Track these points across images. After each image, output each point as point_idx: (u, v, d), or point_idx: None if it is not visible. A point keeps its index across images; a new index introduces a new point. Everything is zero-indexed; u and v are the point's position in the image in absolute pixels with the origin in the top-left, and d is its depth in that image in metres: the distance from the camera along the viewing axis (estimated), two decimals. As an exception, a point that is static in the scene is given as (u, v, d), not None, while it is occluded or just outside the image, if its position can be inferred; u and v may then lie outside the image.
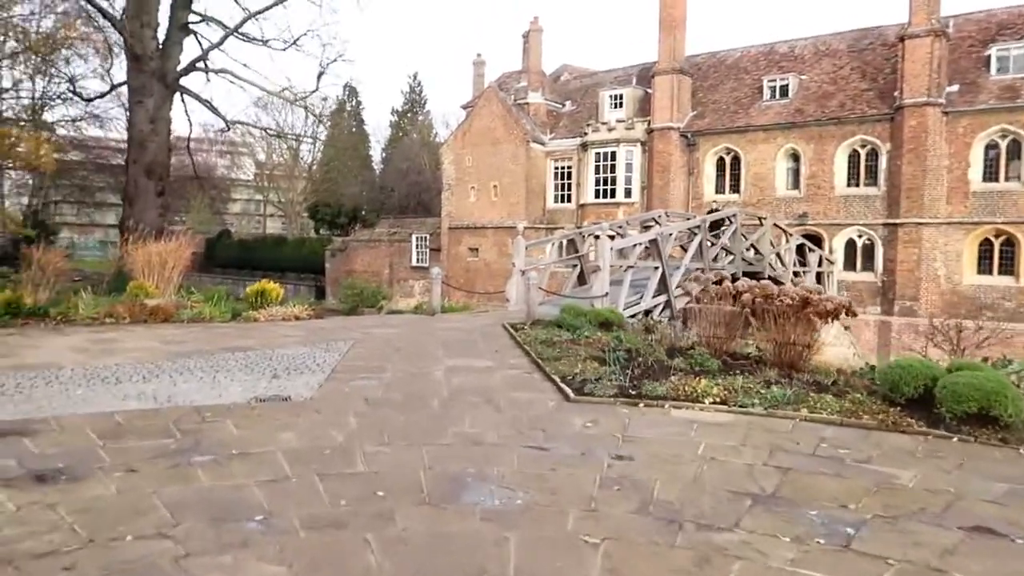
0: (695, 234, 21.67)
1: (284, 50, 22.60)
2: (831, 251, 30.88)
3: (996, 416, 6.58)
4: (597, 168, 37.66)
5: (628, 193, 36.89)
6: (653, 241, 19.48)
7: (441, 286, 18.39)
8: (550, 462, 5.70)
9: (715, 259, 22.75)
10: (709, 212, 24.38)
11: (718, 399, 8.12)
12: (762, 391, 8.38)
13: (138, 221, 21.09)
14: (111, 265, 21.23)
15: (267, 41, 23.64)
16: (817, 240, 30.57)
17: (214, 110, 23.93)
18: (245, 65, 34.32)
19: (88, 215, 73.01)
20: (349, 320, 16.98)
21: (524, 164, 39.26)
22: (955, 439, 6.52)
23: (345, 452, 5.86)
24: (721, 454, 6.06)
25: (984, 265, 28.34)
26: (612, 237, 23.00)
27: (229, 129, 24.71)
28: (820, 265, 29.33)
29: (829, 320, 10.24)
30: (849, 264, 31.30)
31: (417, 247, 46.11)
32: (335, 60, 25.11)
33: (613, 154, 37.02)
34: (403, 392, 8.40)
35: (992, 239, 28.14)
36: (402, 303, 44.99)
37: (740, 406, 7.86)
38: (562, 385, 8.72)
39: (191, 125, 28.11)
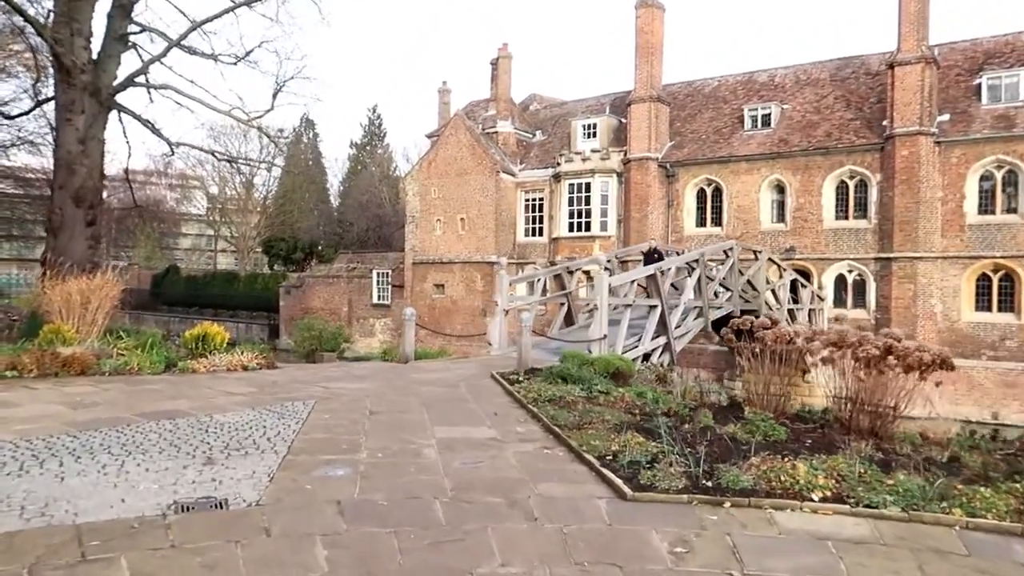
0: (693, 269, 19.68)
1: (235, 64, 20.22)
2: (820, 287, 29.28)
3: None
4: (571, 200, 35.75)
5: (604, 226, 34.99)
6: (651, 277, 17.39)
7: (415, 329, 15.97)
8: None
9: (715, 296, 20.79)
10: (651, 251, 22.44)
11: (828, 493, 5.89)
12: (882, 479, 6.18)
13: (62, 254, 18.36)
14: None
15: (216, 55, 21.22)
16: (805, 275, 28.95)
17: (156, 131, 21.31)
18: (192, 82, 31.80)
19: (18, 250, 68.86)
20: (307, 368, 14.44)
21: (493, 196, 37.20)
22: None
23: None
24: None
25: (983, 302, 26.95)
26: (609, 272, 20.94)
27: (174, 153, 22.09)
28: (812, 302, 27.68)
29: (923, 376, 8.11)
30: (839, 301, 29.70)
31: (378, 283, 43.51)
32: (292, 77, 22.65)
33: (588, 185, 35.18)
34: (389, 489, 5.99)
35: (990, 274, 26.80)
36: (362, 344, 42.26)
37: (867, 505, 5.63)
38: (606, 472, 6.42)
39: (130, 148, 25.38)
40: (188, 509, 5.29)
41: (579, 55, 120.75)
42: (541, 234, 37.44)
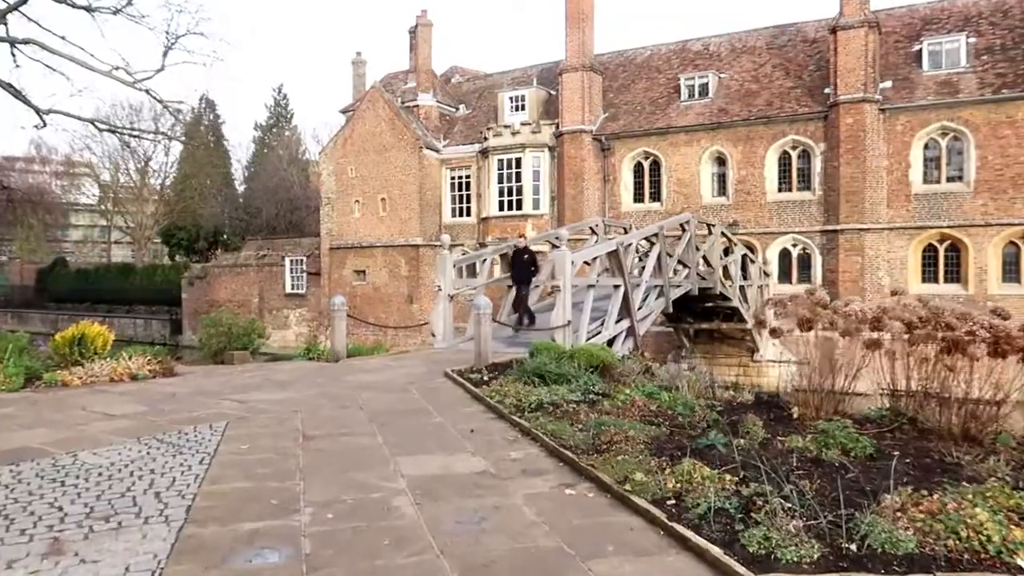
0: (653, 244, 17.79)
1: (115, 14, 17.04)
2: (765, 262, 28.07)
3: None
4: (500, 177, 33.47)
5: (537, 204, 32.90)
6: (612, 253, 15.37)
7: (346, 322, 13.42)
8: None
9: (673, 273, 18.99)
10: (520, 251, 17.18)
11: (1034, 553, 3.88)
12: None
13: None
14: None
15: (92, 6, 17.90)
16: (750, 251, 27.65)
17: (19, 96, 17.86)
18: (64, 39, 27.51)
19: None
20: (215, 374, 11.74)
21: (416, 174, 34.52)
22: None
23: None
24: None
25: (929, 273, 26.28)
26: (554, 247, 18.84)
27: (44, 123, 18.60)
28: (759, 278, 26.41)
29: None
30: (784, 276, 28.61)
31: (292, 271, 40.17)
32: (187, 33, 19.49)
33: (518, 160, 32.98)
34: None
35: (936, 244, 26.14)
36: (276, 337, 38.82)
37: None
38: (688, 535, 4.26)
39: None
40: None
41: (499, 25, 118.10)
42: (469, 214, 35.04)
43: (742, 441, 6.12)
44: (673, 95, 31.81)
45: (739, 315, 24.30)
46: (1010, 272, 25.16)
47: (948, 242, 25.97)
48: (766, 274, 27.61)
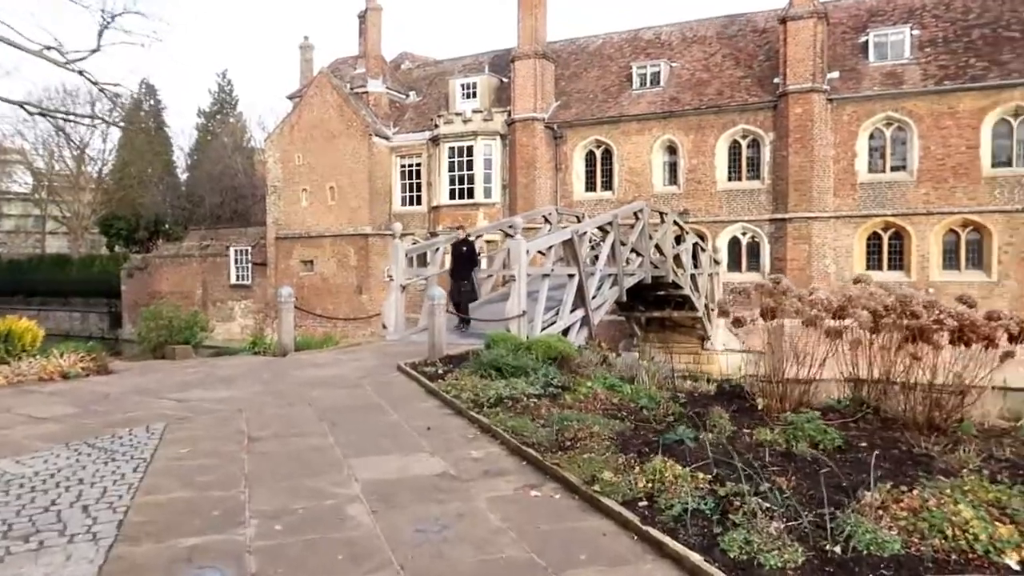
0: (607, 232, 17.62)
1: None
2: (715, 250, 28.25)
3: None
4: (451, 165, 32.99)
5: (488, 193, 32.53)
6: (568, 242, 15.14)
7: (294, 314, 12.91)
8: None
9: (626, 262, 18.87)
10: (461, 242, 15.54)
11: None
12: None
13: None
14: None
15: (16, -18, 16.85)
16: (700, 239, 27.80)
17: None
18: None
19: None
20: (154, 370, 11.14)
21: (366, 162, 33.79)
22: None
23: None
24: None
25: (873, 261, 26.78)
26: (508, 236, 18.55)
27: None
28: (710, 266, 26.57)
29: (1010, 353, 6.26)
30: (734, 264, 28.86)
31: (237, 262, 39.06)
32: (123, 12, 18.56)
33: (470, 149, 32.53)
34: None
35: (881, 232, 26.65)
36: (221, 329, 37.71)
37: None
38: (664, 539, 4.01)
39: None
40: None
41: (450, 11, 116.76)
42: (420, 203, 34.49)
43: (710, 435, 5.93)
44: (625, 84, 31.74)
45: (690, 303, 24.40)
46: (950, 260, 25.82)
47: (892, 230, 26.50)
48: (716, 262, 27.80)
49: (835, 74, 27.39)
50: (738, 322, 7.71)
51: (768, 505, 4.22)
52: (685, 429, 5.85)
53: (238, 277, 39.04)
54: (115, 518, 4.54)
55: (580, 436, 5.95)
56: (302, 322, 26.03)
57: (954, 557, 3.73)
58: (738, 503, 4.26)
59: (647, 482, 4.81)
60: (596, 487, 4.79)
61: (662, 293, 23.23)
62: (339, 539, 4.21)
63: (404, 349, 12.54)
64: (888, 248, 26.66)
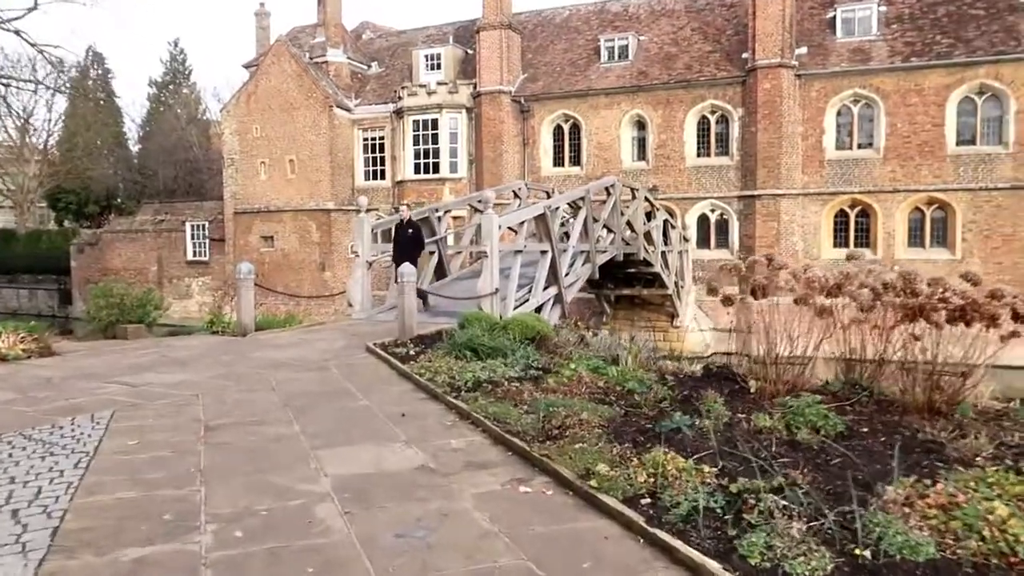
0: (579, 208, 17.17)
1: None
2: (684, 227, 28.04)
3: None
4: (416, 139, 32.15)
5: (454, 167, 31.81)
6: (540, 218, 14.67)
7: (254, 291, 12.26)
8: None
9: (598, 239, 18.48)
10: (405, 224, 14.23)
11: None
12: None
13: None
14: None
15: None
16: (670, 216, 27.56)
17: None
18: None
19: None
20: (103, 352, 10.44)
21: (327, 134, 32.76)
22: None
23: None
24: None
25: (840, 238, 26.82)
26: (477, 211, 18.01)
27: None
28: (679, 243, 26.36)
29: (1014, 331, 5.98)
30: (703, 241, 28.70)
31: (193, 237, 37.79)
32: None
33: (435, 122, 31.72)
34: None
35: (848, 210, 26.67)
36: (177, 307, 36.50)
37: None
38: (676, 545, 3.60)
39: None
40: None
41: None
42: (384, 177, 33.62)
43: (707, 422, 5.55)
44: (593, 57, 31.17)
45: (660, 281, 24.17)
46: (915, 237, 25.97)
47: (859, 208, 26.53)
48: (686, 240, 27.62)
49: (803, 50, 27.18)
50: (727, 300, 7.35)
51: (785, 503, 3.84)
52: (682, 416, 5.46)
53: (195, 253, 37.81)
54: (49, 524, 3.99)
55: (568, 423, 5.54)
56: (263, 300, 25.20)
57: (994, 561, 3.39)
58: (752, 500, 3.87)
59: (648, 476, 4.41)
60: (592, 482, 4.38)
61: (632, 271, 22.94)
62: (308, 547, 3.73)
63: (372, 329, 12.00)
64: (855, 226, 26.70)
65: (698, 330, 27.72)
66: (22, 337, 10.09)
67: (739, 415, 6.01)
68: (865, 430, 5.72)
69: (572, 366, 7.31)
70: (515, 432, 5.53)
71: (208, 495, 4.46)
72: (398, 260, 12.87)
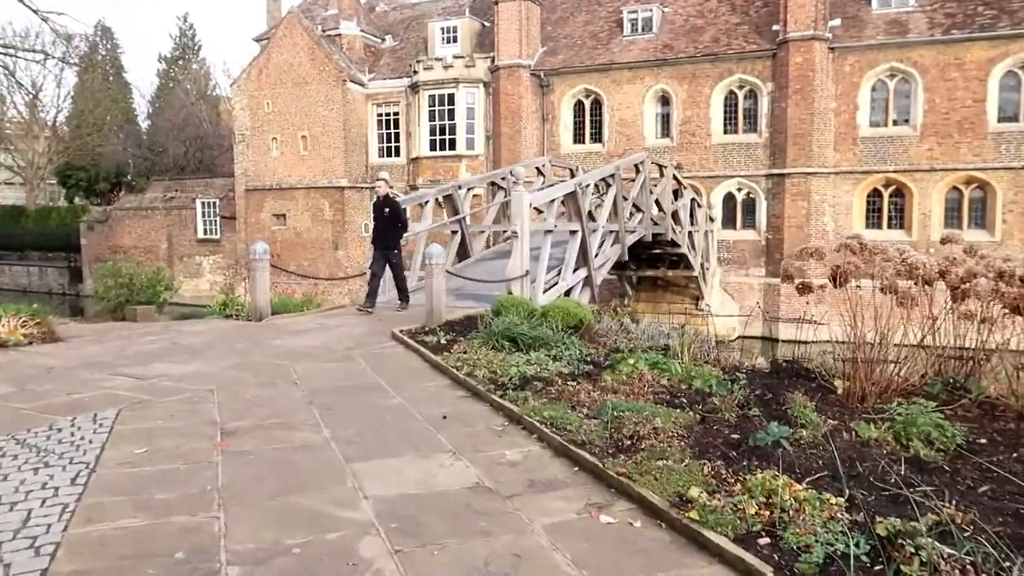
0: (609, 185, 16.32)
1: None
2: (710, 207, 27.12)
3: None
4: (432, 114, 31.23)
5: (471, 144, 30.90)
6: (571, 195, 13.84)
7: (269, 272, 11.52)
8: None
9: (628, 217, 17.64)
10: (382, 201, 12.23)
11: None
12: None
13: None
14: None
15: None
16: (696, 194, 26.63)
17: None
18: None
19: None
20: (110, 338, 9.72)
21: (340, 109, 31.88)
22: None
23: None
24: None
25: (873, 218, 25.85)
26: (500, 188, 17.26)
27: None
28: (705, 223, 25.46)
29: None
30: (728, 221, 27.77)
31: (204, 215, 37.15)
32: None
33: (451, 97, 30.77)
34: None
35: (881, 189, 25.66)
36: (188, 286, 35.89)
37: None
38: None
39: None
40: None
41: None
42: (398, 154, 32.76)
43: (804, 432, 4.76)
44: (615, 29, 30.09)
45: (686, 262, 23.33)
46: (952, 218, 24.96)
47: (893, 187, 25.54)
48: (711, 219, 26.72)
49: (836, 21, 26.03)
50: (806, 288, 6.54)
51: (950, 551, 3.06)
52: (779, 427, 4.67)
53: (206, 231, 37.18)
54: (36, 566, 3.25)
55: (641, 432, 4.77)
56: (275, 279, 24.50)
57: None
58: (908, 547, 3.09)
59: (758, 507, 3.63)
60: (692, 514, 3.60)
61: (657, 251, 22.10)
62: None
63: (395, 313, 11.26)
64: (888, 206, 25.72)
65: (722, 315, 26.87)
66: (23, 321, 9.38)
67: (830, 421, 5.22)
68: (984, 441, 4.93)
69: (631, 361, 6.54)
70: (579, 442, 4.77)
71: (228, 524, 3.72)
72: (378, 244, 11.58)
